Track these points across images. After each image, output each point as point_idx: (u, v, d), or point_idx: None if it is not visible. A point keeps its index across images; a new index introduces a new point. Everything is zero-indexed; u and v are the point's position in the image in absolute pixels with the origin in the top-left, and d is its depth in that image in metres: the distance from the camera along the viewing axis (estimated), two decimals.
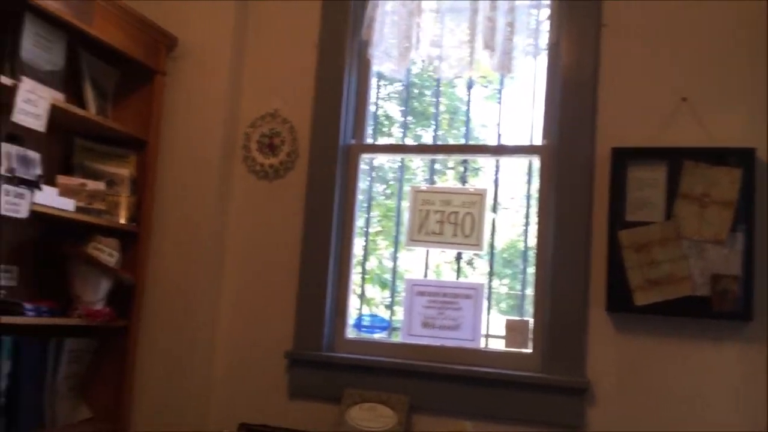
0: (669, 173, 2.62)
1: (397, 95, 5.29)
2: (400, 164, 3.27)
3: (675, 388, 2.57)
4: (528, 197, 2.98)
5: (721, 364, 2.54)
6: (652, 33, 2.75)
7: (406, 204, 3.09)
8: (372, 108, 3.23)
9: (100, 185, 2.86)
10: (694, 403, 2.54)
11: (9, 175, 2.36)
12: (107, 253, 2.82)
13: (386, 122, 4.74)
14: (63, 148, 2.91)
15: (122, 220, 2.93)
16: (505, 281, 4.77)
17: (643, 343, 2.62)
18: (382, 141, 3.30)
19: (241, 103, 3.21)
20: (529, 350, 2.80)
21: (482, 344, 2.90)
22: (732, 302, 2.50)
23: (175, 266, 3.04)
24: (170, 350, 3.00)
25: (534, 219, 2.91)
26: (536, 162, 2.92)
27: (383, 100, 3.39)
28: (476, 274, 3.62)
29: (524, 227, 3.01)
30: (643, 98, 2.72)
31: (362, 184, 3.15)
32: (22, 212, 2.39)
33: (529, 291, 2.92)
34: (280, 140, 3.13)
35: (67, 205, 2.63)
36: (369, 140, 3.17)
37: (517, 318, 2.91)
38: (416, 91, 4.69)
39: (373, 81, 3.22)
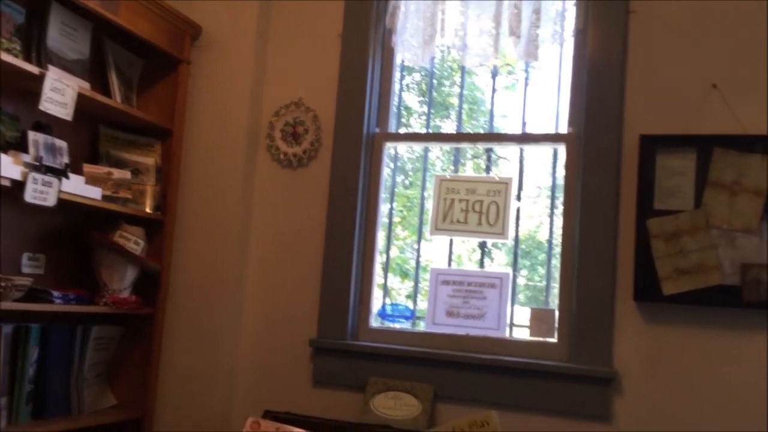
0: (698, 161, 2.58)
1: (416, 86, 5.27)
2: (422, 154, 3.25)
3: (703, 378, 2.55)
4: (553, 187, 2.95)
5: (751, 354, 2.50)
6: (681, 19, 2.71)
7: (426, 193, 3.08)
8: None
9: (125, 174, 2.87)
10: (722, 393, 2.52)
11: (37, 163, 2.38)
12: (133, 241, 2.84)
13: (405, 113, 4.73)
14: (89, 136, 2.93)
15: (148, 209, 2.95)
16: (523, 272, 4.76)
17: (671, 333, 2.60)
18: (402, 131, 3.28)
19: (265, 91, 3.21)
20: (555, 340, 2.78)
21: (507, 333, 2.88)
22: (762, 292, 2.46)
23: (200, 254, 3.06)
24: (195, 338, 3.01)
25: (558, 208, 2.89)
26: (561, 150, 2.90)
27: (402, 91, 3.37)
28: (494, 264, 3.60)
29: (549, 216, 2.99)
30: (672, 85, 2.68)
31: (384, 173, 3.13)
32: (50, 201, 2.41)
33: (551, 281, 2.90)
34: (303, 129, 3.13)
35: (94, 193, 2.64)
36: (392, 129, 3.15)
37: (542, 307, 2.89)
38: (434, 81, 4.67)
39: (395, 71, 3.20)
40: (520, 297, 3.37)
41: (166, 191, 3.02)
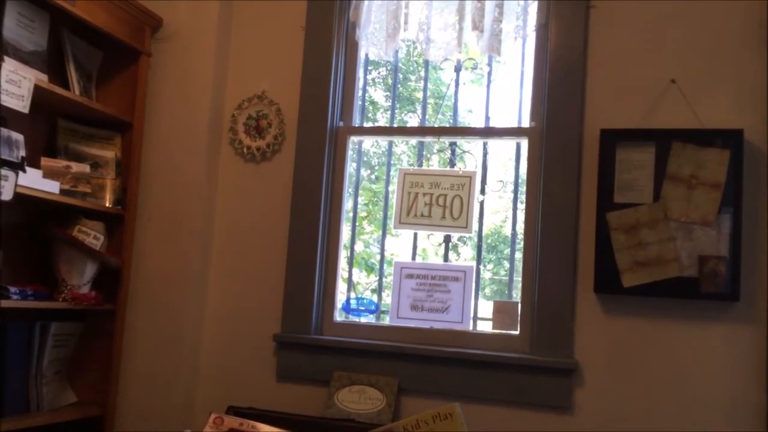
0: (657, 155, 2.62)
1: (381, 80, 5.28)
2: (387, 149, 3.24)
3: (663, 369, 2.59)
4: (516, 181, 2.97)
5: (709, 345, 2.55)
6: (641, 14, 2.74)
7: (392, 188, 3.08)
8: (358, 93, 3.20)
9: (84, 168, 2.83)
10: (681, 384, 2.56)
11: None
12: (93, 236, 2.79)
13: (371, 108, 4.74)
14: (46, 129, 2.87)
15: (107, 203, 2.90)
16: (489, 266, 4.80)
17: (631, 325, 2.64)
18: (368, 126, 3.27)
19: (228, 84, 3.18)
20: (517, 332, 2.80)
21: (471, 326, 2.90)
22: (719, 283, 2.51)
23: (161, 249, 3.02)
24: (157, 333, 2.98)
25: (522, 202, 2.90)
26: (524, 145, 2.92)
27: (368, 86, 3.36)
28: (460, 259, 3.62)
29: (512, 210, 3.01)
30: (632, 80, 2.72)
31: (348, 168, 3.12)
32: (6, 195, 2.36)
33: (515, 274, 2.92)
34: (267, 122, 3.11)
35: (52, 187, 2.60)
36: (356, 123, 3.15)
37: (506, 300, 2.91)
38: (400, 76, 4.67)
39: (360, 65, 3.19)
40: (487, 291, 3.40)
41: (126, 185, 2.98)
